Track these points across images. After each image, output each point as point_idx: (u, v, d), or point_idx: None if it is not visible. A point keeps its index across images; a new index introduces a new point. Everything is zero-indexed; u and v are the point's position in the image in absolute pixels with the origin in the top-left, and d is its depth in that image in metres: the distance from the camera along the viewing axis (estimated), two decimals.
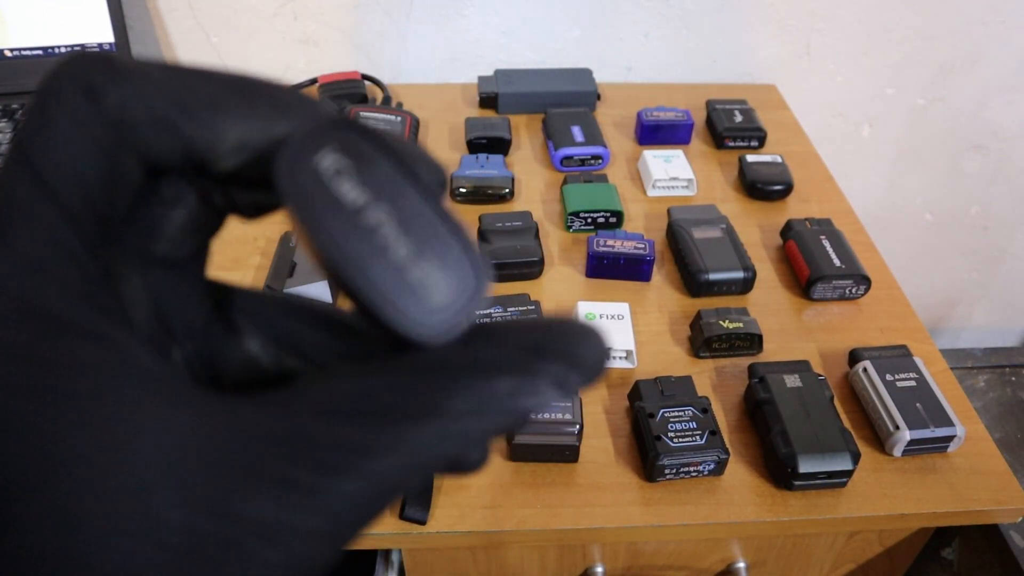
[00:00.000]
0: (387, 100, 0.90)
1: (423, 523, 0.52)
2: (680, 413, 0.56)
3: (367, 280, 0.14)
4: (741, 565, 0.61)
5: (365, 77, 0.92)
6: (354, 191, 0.14)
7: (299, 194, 0.14)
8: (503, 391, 0.14)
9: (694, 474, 0.55)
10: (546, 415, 0.56)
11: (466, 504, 0.54)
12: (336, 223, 0.14)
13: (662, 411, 0.56)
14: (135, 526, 0.12)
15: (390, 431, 0.13)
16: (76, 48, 0.84)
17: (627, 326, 0.63)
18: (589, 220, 0.75)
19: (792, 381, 0.58)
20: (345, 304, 0.16)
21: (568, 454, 0.55)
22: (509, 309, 0.62)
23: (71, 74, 0.14)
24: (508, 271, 0.69)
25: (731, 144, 0.87)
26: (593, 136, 0.84)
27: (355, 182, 0.14)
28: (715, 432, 0.55)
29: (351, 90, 0.90)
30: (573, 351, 0.14)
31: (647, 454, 0.55)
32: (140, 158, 0.14)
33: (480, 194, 0.77)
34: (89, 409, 0.12)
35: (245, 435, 0.13)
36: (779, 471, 0.55)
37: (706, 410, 0.56)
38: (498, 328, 0.14)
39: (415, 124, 0.85)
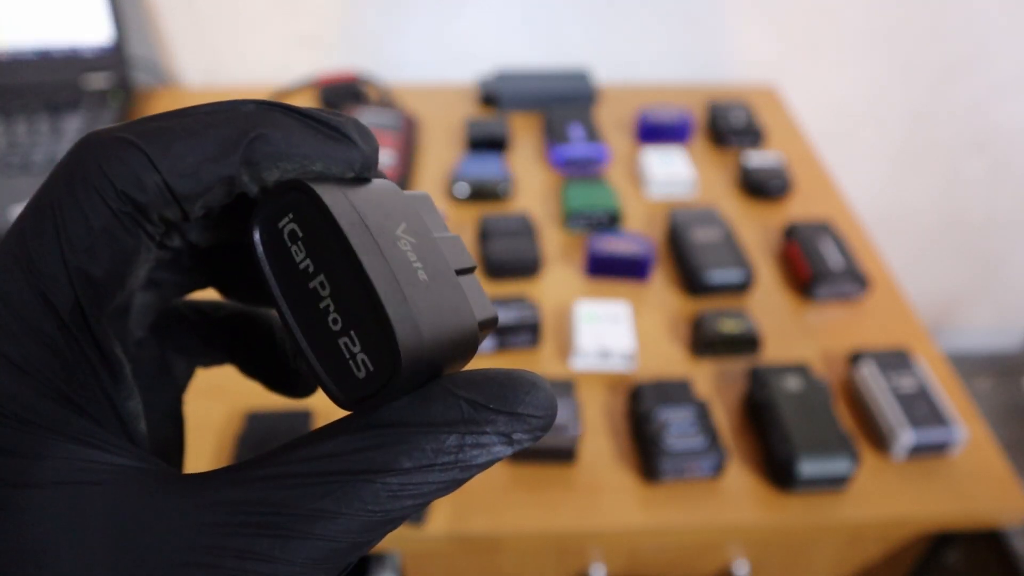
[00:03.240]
0: (385, 100, 0.90)
1: (420, 523, 0.52)
2: (680, 415, 0.55)
3: (306, 342, 0.15)
4: (741, 568, 0.60)
5: (363, 77, 0.92)
6: (304, 257, 0.15)
7: (267, 252, 0.15)
8: (450, 447, 0.14)
9: (694, 476, 0.54)
10: None
11: (464, 507, 0.53)
12: (290, 283, 0.15)
13: (661, 413, 0.55)
14: None
15: (340, 493, 0.14)
16: (73, 49, 0.84)
17: (627, 326, 0.63)
18: (589, 220, 0.74)
19: (792, 383, 0.58)
20: None
21: (566, 456, 0.55)
22: (509, 309, 0.62)
23: (90, 168, 0.14)
24: (506, 271, 0.69)
25: (731, 144, 0.87)
26: (593, 135, 0.83)
27: (305, 249, 0.15)
28: (715, 434, 0.55)
29: (349, 90, 0.89)
30: (517, 405, 0.15)
31: (647, 455, 0.54)
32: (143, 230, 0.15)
33: (479, 193, 0.77)
34: (45, 497, 0.13)
35: (204, 514, 0.13)
36: (779, 473, 0.54)
37: (706, 412, 0.56)
38: (447, 382, 0.15)
39: (413, 124, 0.85)
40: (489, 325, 0.17)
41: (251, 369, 0.21)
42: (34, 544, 0.13)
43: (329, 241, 0.15)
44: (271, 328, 0.21)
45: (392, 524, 0.14)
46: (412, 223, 0.17)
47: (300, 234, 0.15)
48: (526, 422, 0.15)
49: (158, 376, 0.19)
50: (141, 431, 0.16)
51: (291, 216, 0.15)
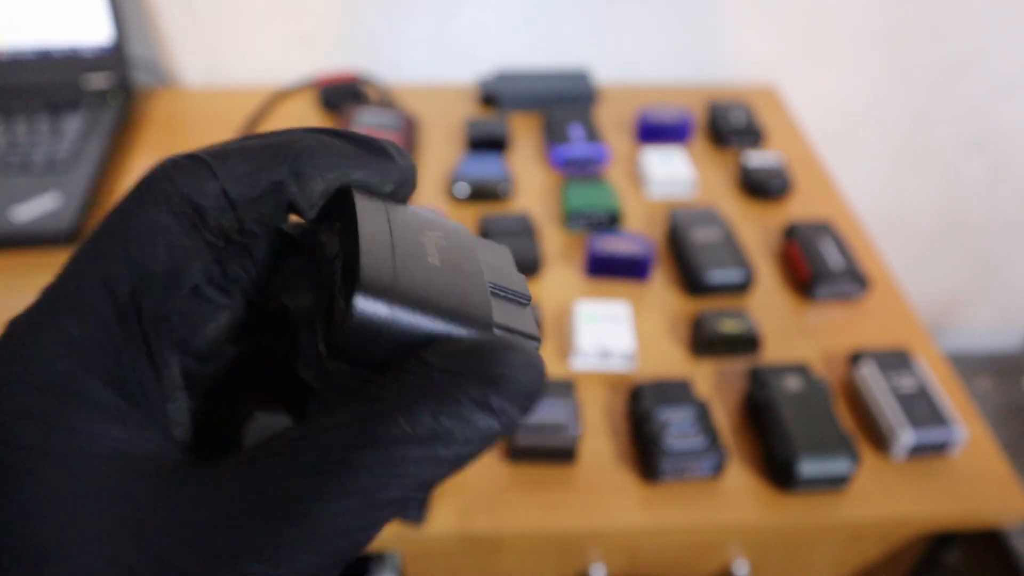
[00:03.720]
0: (385, 100, 0.90)
1: (420, 522, 0.52)
2: (680, 414, 0.55)
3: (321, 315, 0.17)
4: (741, 568, 0.60)
5: (363, 77, 0.92)
6: (336, 243, 0.17)
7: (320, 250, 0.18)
8: (424, 418, 0.14)
9: (694, 476, 0.54)
10: (544, 416, 0.55)
11: (464, 506, 0.53)
12: (325, 271, 0.18)
13: (662, 412, 0.55)
14: (98, 564, 0.13)
15: (322, 476, 0.14)
16: (73, 49, 0.84)
17: (627, 327, 0.63)
18: (589, 220, 0.74)
19: (792, 383, 0.58)
20: None
21: (567, 456, 0.55)
22: None
23: (161, 179, 0.16)
24: None
25: (731, 144, 0.87)
26: (593, 136, 0.83)
27: (338, 236, 0.17)
28: (715, 434, 0.55)
29: (349, 90, 0.89)
30: (492, 370, 0.14)
31: (647, 455, 0.54)
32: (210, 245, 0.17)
33: (479, 193, 0.77)
34: (62, 467, 0.14)
35: (202, 500, 0.14)
36: (779, 473, 0.54)
37: (706, 412, 0.56)
38: (423, 352, 0.15)
39: (413, 124, 0.85)
40: (529, 337, 0.16)
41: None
42: (40, 510, 0.13)
43: (348, 224, 0.16)
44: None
45: (381, 512, 0.14)
46: (454, 240, 0.17)
47: (339, 228, 0.17)
48: (502, 387, 0.14)
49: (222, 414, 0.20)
50: (176, 435, 0.16)
51: (337, 215, 0.17)
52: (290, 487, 0.13)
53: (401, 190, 0.18)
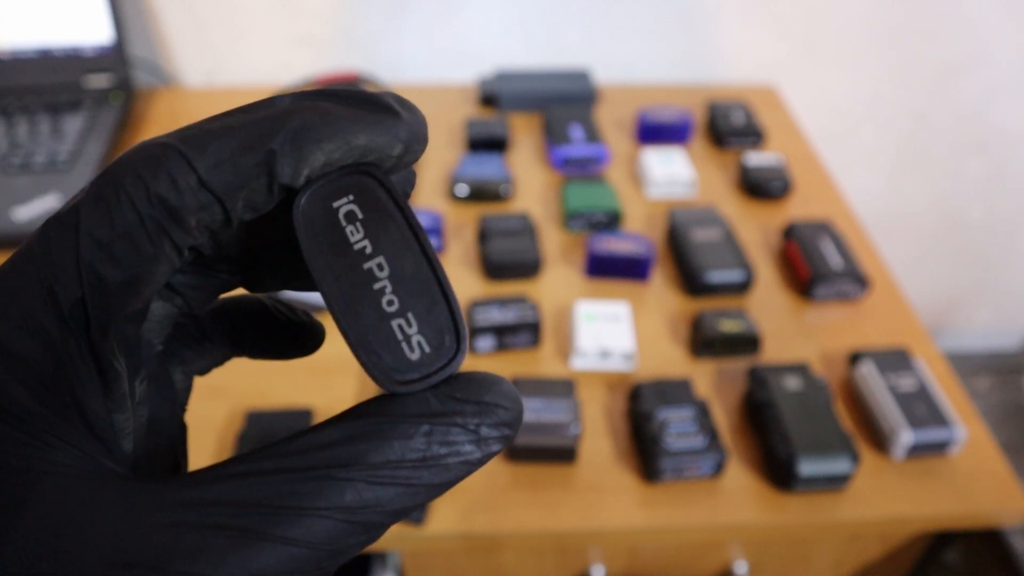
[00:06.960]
0: None
1: (420, 523, 0.52)
2: (680, 414, 0.55)
3: (353, 319, 0.15)
4: (741, 568, 0.60)
5: (363, 77, 0.92)
6: (361, 238, 0.15)
7: (313, 228, 0.15)
8: (417, 444, 0.14)
9: (693, 476, 0.55)
10: (544, 416, 0.55)
11: (464, 506, 0.54)
12: (338, 260, 0.15)
13: (661, 412, 0.55)
14: None
15: (301, 490, 0.13)
16: (74, 50, 0.84)
17: (627, 327, 0.63)
18: (589, 220, 0.75)
19: (792, 383, 0.58)
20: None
21: (567, 455, 0.55)
22: (509, 309, 0.62)
23: (126, 173, 0.14)
24: (506, 272, 0.69)
25: (731, 144, 0.87)
26: (593, 136, 0.84)
27: (363, 230, 0.15)
28: (715, 434, 0.55)
29: None
30: (484, 395, 0.14)
31: (646, 455, 0.55)
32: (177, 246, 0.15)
33: (479, 194, 0.77)
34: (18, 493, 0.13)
35: (159, 514, 0.13)
36: (779, 473, 0.54)
37: (706, 411, 0.56)
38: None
39: None
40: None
41: (259, 350, 0.20)
42: None
43: (394, 227, 0.15)
44: (262, 303, 0.20)
45: (357, 537, 0.13)
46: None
47: (360, 215, 0.15)
48: (494, 414, 0.14)
49: (159, 390, 0.18)
50: (124, 448, 0.15)
51: (351, 197, 0.15)
52: (263, 503, 0.13)
53: (411, 151, 0.16)
